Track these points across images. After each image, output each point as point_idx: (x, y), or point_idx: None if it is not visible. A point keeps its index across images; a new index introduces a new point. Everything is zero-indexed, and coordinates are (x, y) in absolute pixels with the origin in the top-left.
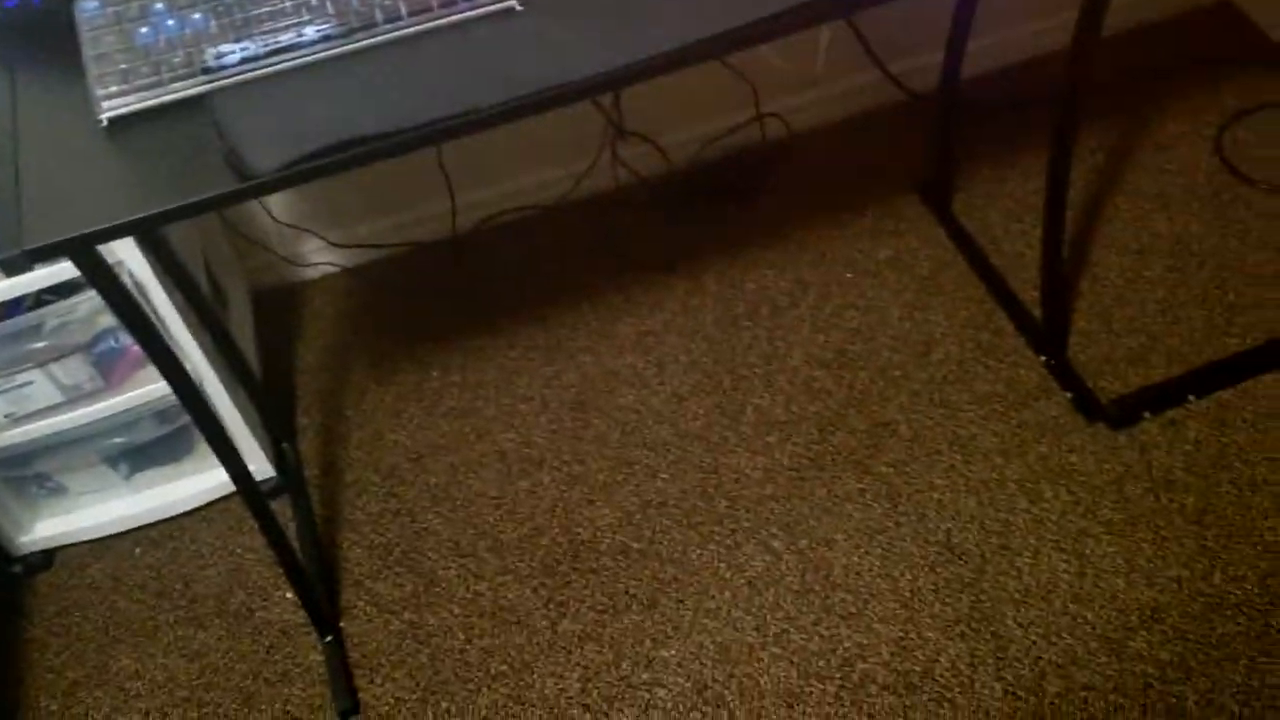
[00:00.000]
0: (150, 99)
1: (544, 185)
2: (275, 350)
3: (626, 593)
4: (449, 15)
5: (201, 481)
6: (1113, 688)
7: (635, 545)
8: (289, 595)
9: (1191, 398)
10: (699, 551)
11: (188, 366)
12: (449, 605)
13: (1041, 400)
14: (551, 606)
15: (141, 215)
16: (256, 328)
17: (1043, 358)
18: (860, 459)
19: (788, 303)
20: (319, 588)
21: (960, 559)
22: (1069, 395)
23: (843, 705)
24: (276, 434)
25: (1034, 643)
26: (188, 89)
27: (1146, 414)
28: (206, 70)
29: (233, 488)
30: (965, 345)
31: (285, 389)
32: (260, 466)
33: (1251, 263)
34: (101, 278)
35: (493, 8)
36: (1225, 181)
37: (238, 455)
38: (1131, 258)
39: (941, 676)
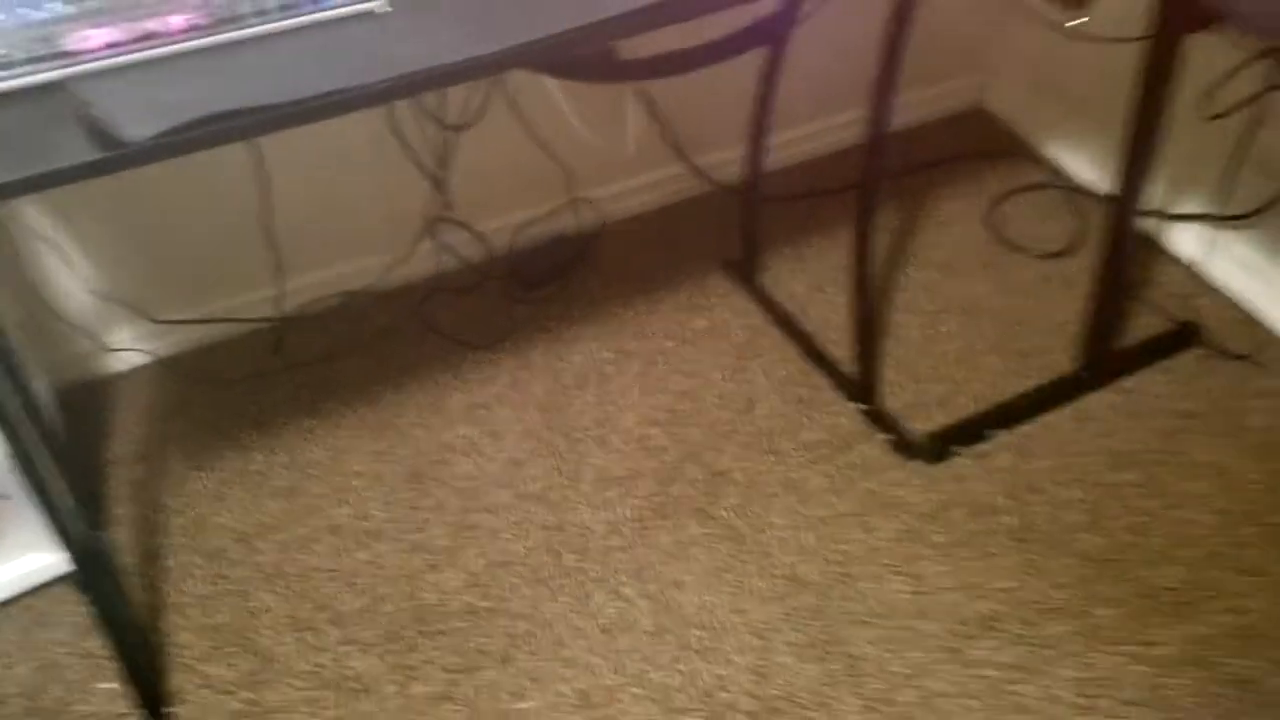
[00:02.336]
0: (9, 81)
1: (367, 270)
2: (87, 443)
3: (479, 650)
4: (316, 12)
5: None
6: (960, 691)
7: (484, 604)
8: (108, 685)
9: (995, 432)
10: (550, 605)
11: None
12: (289, 680)
13: (862, 444)
14: (400, 671)
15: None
16: (65, 422)
17: (858, 406)
18: (701, 506)
19: (614, 371)
20: (146, 672)
21: (806, 589)
22: (887, 437)
23: None
24: (88, 524)
25: (883, 658)
26: (49, 72)
27: (957, 449)
28: (66, 54)
29: (36, 582)
30: (787, 400)
31: (97, 481)
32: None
33: (1030, 315)
34: None
35: (359, 7)
36: (999, 250)
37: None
38: (928, 317)
39: (800, 698)
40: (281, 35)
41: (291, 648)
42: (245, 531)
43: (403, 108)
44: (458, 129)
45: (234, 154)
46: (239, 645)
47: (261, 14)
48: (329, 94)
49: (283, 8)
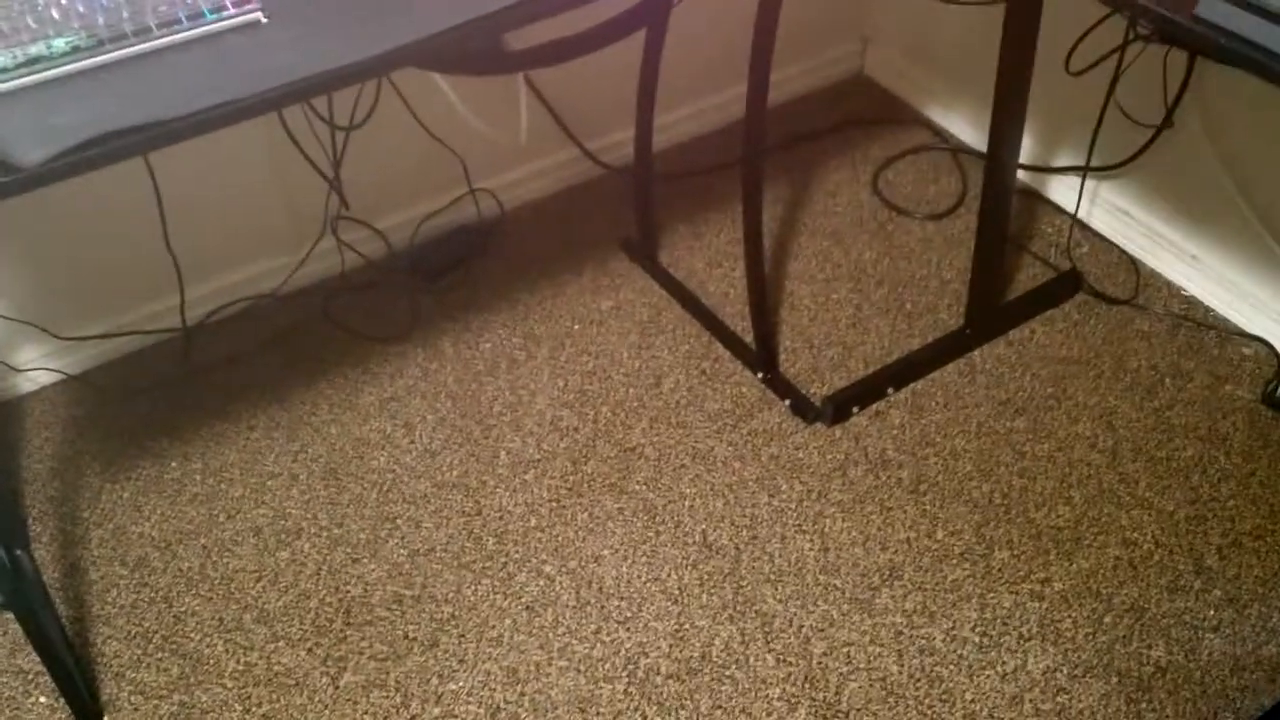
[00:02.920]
0: None
1: (270, 274)
2: (1, 465)
3: (406, 637)
4: (197, 28)
5: None
6: (870, 640)
7: (408, 593)
8: (43, 700)
9: (890, 390)
10: (473, 588)
11: None
12: (220, 681)
13: (765, 410)
14: (330, 663)
15: None
16: None
17: (760, 375)
18: (614, 482)
19: (524, 356)
20: (79, 684)
21: (718, 554)
22: (787, 403)
23: (632, 700)
24: (8, 544)
25: (794, 614)
26: None
27: (855, 409)
28: None
29: None
30: (691, 373)
31: (15, 501)
32: None
33: (919, 277)
34: None
35: (239, 20)
36: (886, 215)
37: None
38: (820, 284)
39: (718, 657)
40: (165, 51)
41: (220, 649)
42: (166, 539)
43: (294, 112)
44: (349, 129)
45: (129, 167)
46: (168, 650)
47: (143, 32)
48: (217, 106)
49: (163, 25)
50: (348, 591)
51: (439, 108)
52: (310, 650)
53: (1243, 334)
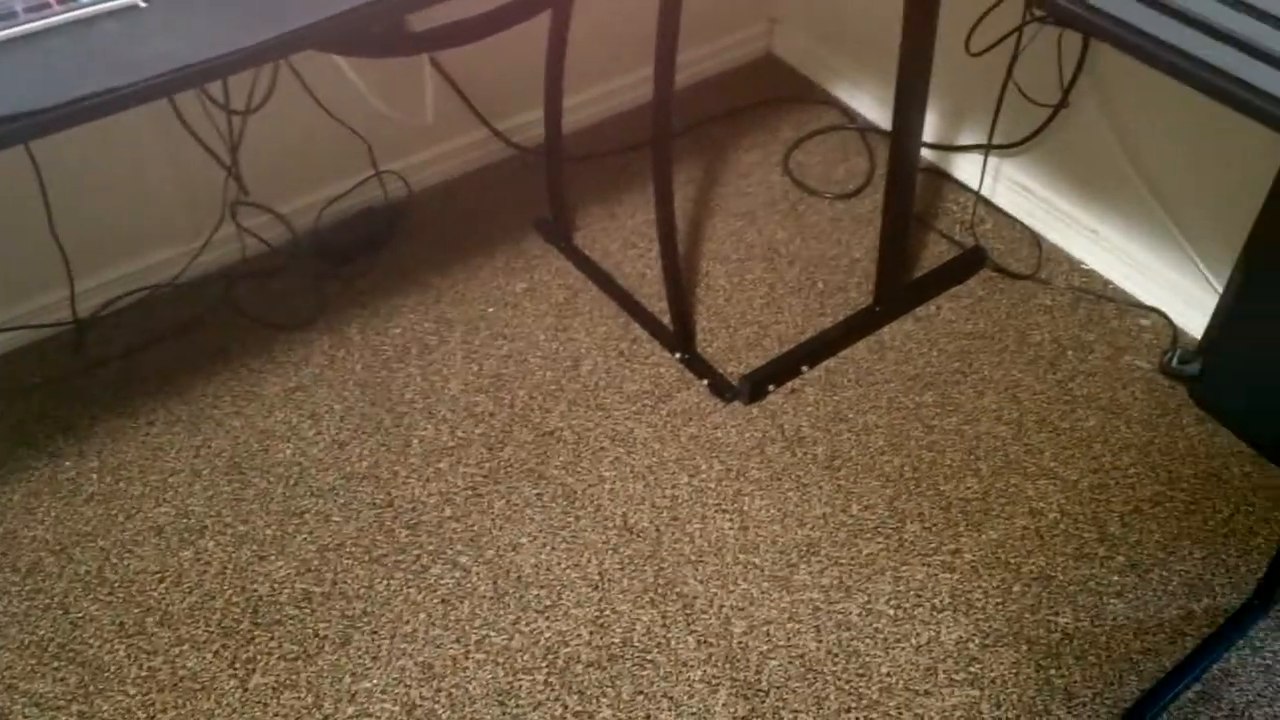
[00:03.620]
0: None
1: (168, 263)
2: None
3: (317, 636)
4: (69, 11)
5: None
6: (788, 617)
7: (318, 590)
8: None
9: (804, 368)
10: (386, 582)
11: None
12: (122, 688)
13: (683, 391)
14: (238, 665)
15: None
16: None
17: (677, 355)
18: (532, 467)
19: (436, 341)
20: None
21: (639, 537)
22: (705, 383)
23: (553, 690)
24: None
25: (715, 594)
26: None
27: (771, 387)
28: None
29: None
30: (609, 355)
31: None
32: None
33: (830, 256)
34: None
35: (115, 4)
36: (797, 196)
37: None
38: (734, 265)
39: (639, 642)
40: (38, 37)
41: (122, 654)
42: (61, 542)
43: (187, 95)
44: (246, 113)
45: (8, 154)
46: (65, 659)
47: (9, 17)
48: (97, 94)
49: (31, 9)
50: (255, 590)
51: (341, 89)
52: (217, 653)
53: (1140, 306)
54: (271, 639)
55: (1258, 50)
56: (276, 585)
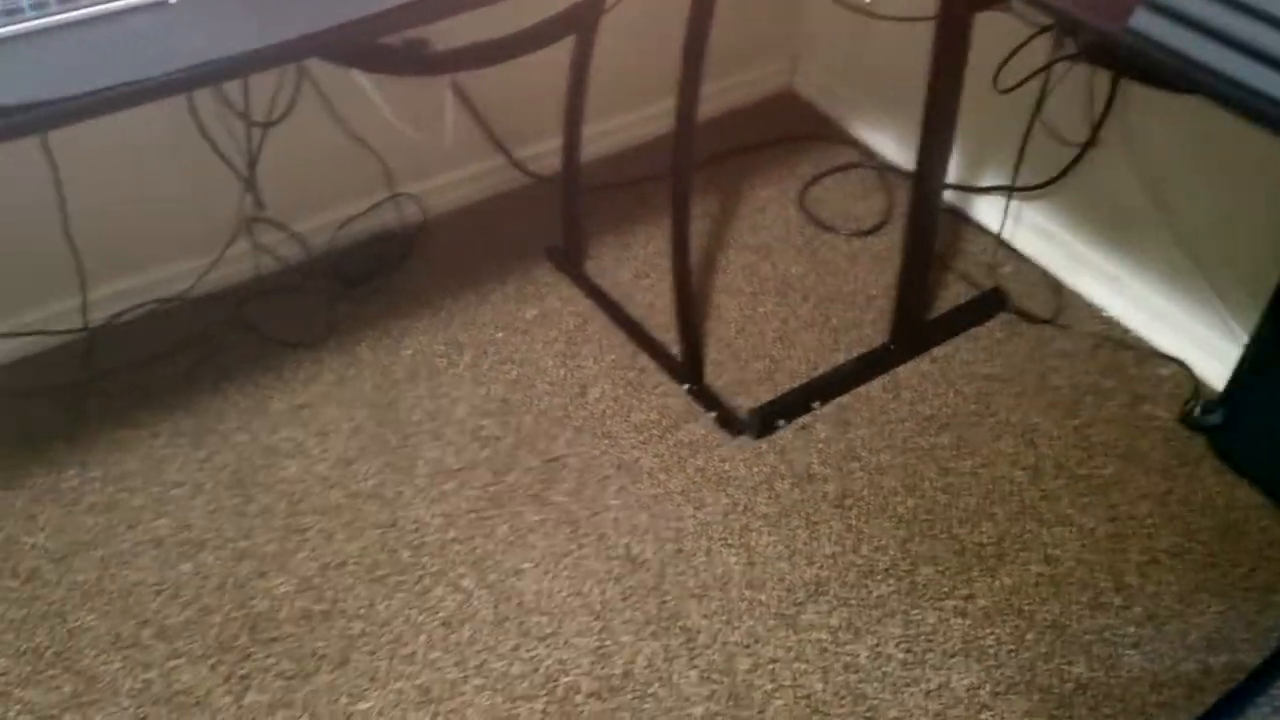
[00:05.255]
0: None
1: (180, 276)
2: None
3: (315, 655)
4: (100, 5)
5: None
6: (794, 656)
7: (318, 608)
8: None
9: (816, 404)
10: (387, 603)
11: None
12: (116, 699)
13: (690, 422)
14: (233, 681)
15: None
16: None
17: (686, 387)
18: (536, 493)
19: (446, 364)
20: None
21: (642, 567)
22: (713, 415)
23: (551, 719)
24: None
25: (719, 630)
26: None
27: (781, 422)
28: None
29: None
30: (617, 384)
31: None
32: None
33: (844, 292)
34: None
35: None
36: (812, 232)
37: None
38: (746, 298)
39: (641, 675)
40: (65, 28)
41: (117, 666)
42: (61, 550)
43: (207, 106)
44: (266, 125)
45: (28, 155)
46: (60, 667)
47: (40, 6)
48: (118, 86)
49: (62, 0)
50: (253, 606)
51: (361, 108)
52: (213, 668)
53: (1161, 355)
54: (268, 656)
55: None
56: (276, 602)
